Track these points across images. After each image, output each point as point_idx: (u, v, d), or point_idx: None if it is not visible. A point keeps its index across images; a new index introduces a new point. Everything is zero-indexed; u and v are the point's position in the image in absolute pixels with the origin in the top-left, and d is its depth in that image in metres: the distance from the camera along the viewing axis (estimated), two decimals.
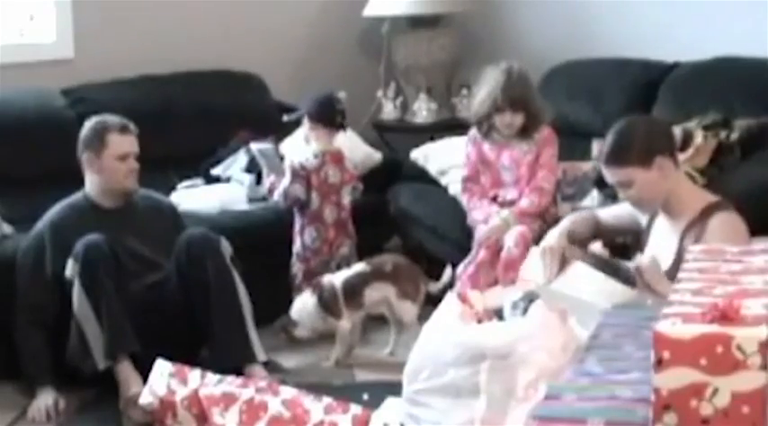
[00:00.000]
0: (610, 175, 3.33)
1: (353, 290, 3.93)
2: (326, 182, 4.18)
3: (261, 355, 3.71)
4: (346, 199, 4.22)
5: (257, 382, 3.29)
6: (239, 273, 3.76)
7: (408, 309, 3.90)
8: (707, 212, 3.21)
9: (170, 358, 3.29)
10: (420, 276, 3.97)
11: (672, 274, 3.21)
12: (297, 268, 4.21)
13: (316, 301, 3.94)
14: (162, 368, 3.24)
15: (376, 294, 3.93)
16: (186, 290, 3.73)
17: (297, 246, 4.22)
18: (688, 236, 3.22)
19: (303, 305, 3.97)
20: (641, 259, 3.29)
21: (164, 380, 3.20)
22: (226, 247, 3.76)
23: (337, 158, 4.21)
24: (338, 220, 4.20)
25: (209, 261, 3.71)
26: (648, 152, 3.22)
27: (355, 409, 3.09)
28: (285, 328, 3.99)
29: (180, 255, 3.76)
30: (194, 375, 3.22)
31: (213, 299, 3.68)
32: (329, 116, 4.19)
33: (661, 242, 3.34)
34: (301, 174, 4.16)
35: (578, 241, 3.49)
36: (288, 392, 3.17)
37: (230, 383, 3.22)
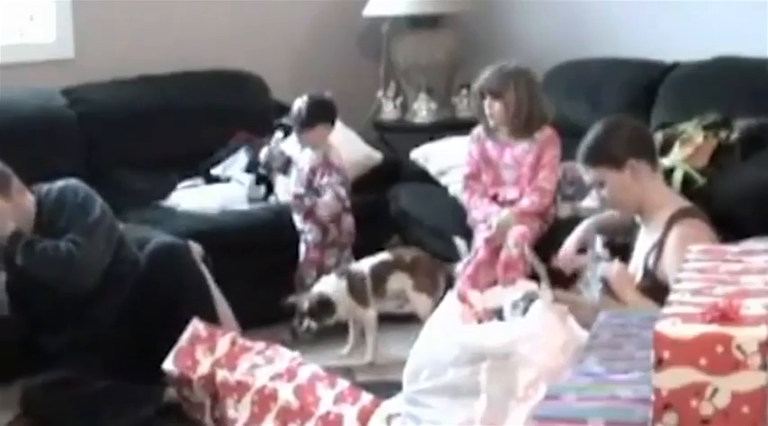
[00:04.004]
0: (584, 173, 3.44)
1: (379, 278, 3.96)
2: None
3: None
4: None
5: (282, 356, 3.29)
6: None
7: (423, 302, 3.91)
8: (669, 225, 3.26)
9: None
10: (440, 271, 3.98)
11: (642, 288, 3.26)
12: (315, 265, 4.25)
13: (345, 288, 3.93)
14: (195, 329, 3.28)
15: (396, 284, 3.96)
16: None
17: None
18: (651, 255, 3.28)
19: (329, 289, 3.92)
20: (610, 267, 3.35)
21: (191, 347, 3.26)
22: (191, 252, 3.69)
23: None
24: None
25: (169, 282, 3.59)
26: (621, 154, 3.31)
27: (365, 399, 3.10)
28: (295, 305, 3.94)
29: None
30: (224, 342, 3.27)
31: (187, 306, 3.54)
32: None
33: (639, 253, 3.40)
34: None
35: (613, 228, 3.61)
36: (305, 374, 3.18)
37: (259, 352, 3.26)
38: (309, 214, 4.20)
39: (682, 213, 3.29)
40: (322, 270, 4.14)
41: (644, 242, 3.38)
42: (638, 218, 3.45)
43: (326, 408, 3.07)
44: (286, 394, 3.13)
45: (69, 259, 3.42)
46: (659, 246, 3.28)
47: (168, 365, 3.26)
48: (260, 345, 3.33)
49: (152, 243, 3.71)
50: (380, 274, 3.96)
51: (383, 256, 4.03)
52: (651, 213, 3.36)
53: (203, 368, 3.23)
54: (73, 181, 3.65)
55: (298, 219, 4.24)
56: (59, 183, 3.64)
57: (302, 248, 4.24)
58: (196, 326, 3.31)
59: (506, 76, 4.03)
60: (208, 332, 3.30)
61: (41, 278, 3.46)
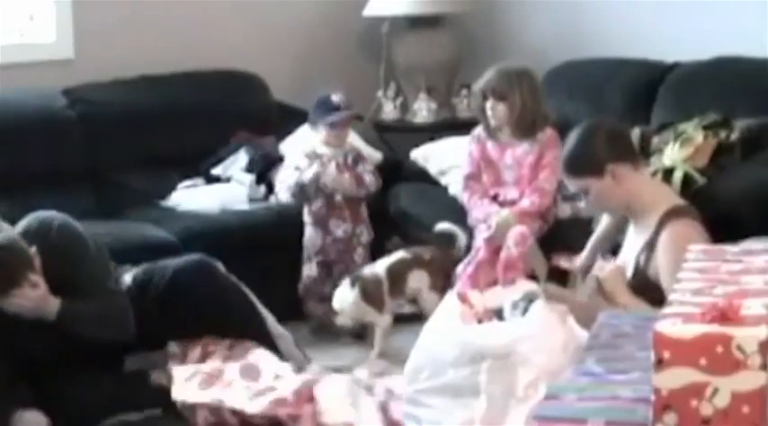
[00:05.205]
0: (567, 184, 3.47)
1: (397, 277, 3.94)
2: None
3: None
4: None
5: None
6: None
7: (434, 302, 3.90)
8: (660, 224, 3.26)
9: None
10: (453, 270, 3.97)
11: (632, 286, 3.26)
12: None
13: (358, 294, 3.92)
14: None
15: (415, 282, 3.95)
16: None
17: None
18: (643, 254, 3.28)
19: (344, 296, 3.94)
20: (604, 267, 3.35)
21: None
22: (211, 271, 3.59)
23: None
24: None
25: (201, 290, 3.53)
26: (599, 161, 3.34)
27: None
28: (326, 315, 4.01)
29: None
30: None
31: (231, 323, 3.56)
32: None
33: (628, 250, 3.40)
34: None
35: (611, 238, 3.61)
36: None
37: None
38: (357, 217, 4.24)
39: (673, 212, 3.29)
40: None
41: (634, 240, 3.39)
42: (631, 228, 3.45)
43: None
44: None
45: (120, 311, 3.38)
46: (650, 245, 3.28)
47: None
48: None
49: (170, 268, 3.54)
50: (398, 273, 3.95)
51: (401, 254, 4.01)
52: (641, 211, 3.37)
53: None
54: (53, 217, 3.43)
55: (342, 227, 4.24)
56: (50, 227, 3.38)
57: (359, 251, 4.25)
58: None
59: (510, 78, 4.02)
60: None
61: (96, 338, 3.34)
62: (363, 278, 3.94)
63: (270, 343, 3.56)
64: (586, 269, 3.53)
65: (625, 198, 3.37)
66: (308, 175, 4.15)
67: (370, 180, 4.23)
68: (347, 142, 4.28)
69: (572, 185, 3.44)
